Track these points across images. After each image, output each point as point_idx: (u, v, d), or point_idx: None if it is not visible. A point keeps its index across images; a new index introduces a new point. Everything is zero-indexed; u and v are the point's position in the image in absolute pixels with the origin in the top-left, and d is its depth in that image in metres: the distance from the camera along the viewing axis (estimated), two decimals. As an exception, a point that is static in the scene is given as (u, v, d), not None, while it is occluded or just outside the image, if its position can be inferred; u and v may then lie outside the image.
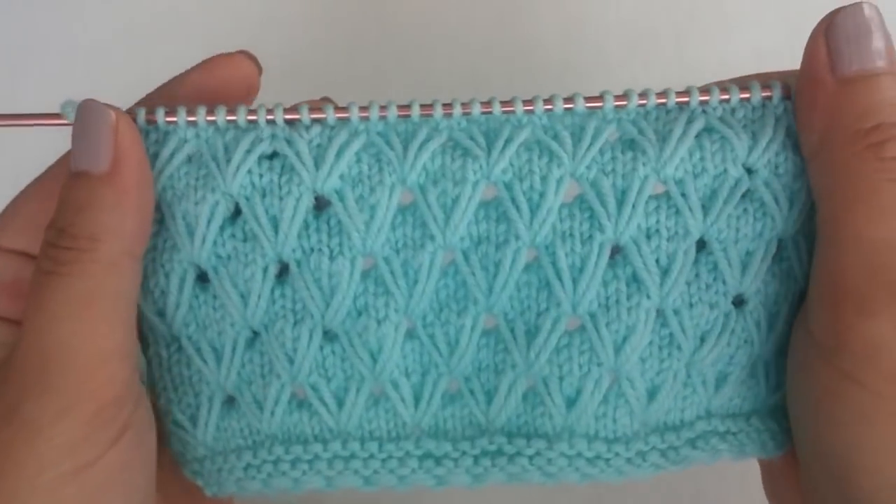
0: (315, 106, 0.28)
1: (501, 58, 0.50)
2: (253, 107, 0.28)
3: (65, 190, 0.26)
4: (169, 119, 0.28)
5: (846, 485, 0.26)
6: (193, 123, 0.28)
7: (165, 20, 0.52)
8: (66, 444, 0.24)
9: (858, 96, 0.25)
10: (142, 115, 0.27)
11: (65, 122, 0.27)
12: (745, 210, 0.28)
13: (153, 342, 0.30)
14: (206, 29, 0.52)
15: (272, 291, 0.28)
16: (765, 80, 0.28)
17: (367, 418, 0.30)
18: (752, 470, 0.36)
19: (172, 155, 0.28)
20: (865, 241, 0.25)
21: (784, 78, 0.28)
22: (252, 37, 0.52)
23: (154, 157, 0.28)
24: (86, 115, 0.26)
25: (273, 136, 0.28)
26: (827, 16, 0.26)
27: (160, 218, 0.28)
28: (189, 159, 0.28)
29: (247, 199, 0.28)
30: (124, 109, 0.27)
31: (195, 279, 0.29)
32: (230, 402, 0.30)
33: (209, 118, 0.28)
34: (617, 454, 0.29)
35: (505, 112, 0.28)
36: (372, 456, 0.30)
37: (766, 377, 0.30)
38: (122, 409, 0.25)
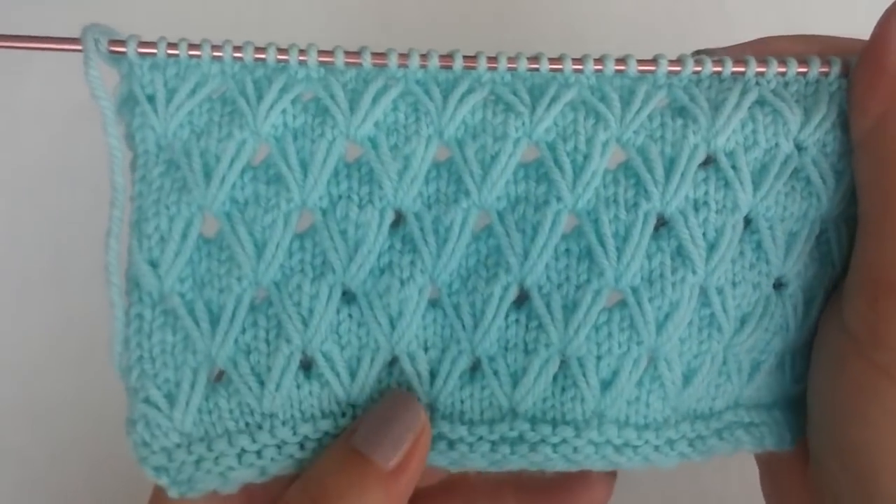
0: (352, 50, 0.26)
1: None
2: (284, 46, 0.26)
3: (338, 461, 0.25)
4: (192, 53, 0.26)
5: (869, 485, 0.25)
6: (219, 59, 0.26)
7: (165, 20, 0.50)
8: None
9: None
10: (163, 45, 0.25)
11: (80, 48, 0.25)
12: (793, 188, 0.27)
13: (136, 301, 0.26)
14: (206, 29, 0.51)
15: (291, 243, 0.26)
16: (824, 49, 0.27)
17: (379, 391, 0.27)
18: (752, 469, 0.35)
19: (194, 90, 0.26)
20: None
21: (845, 51, 0.27)
22: (252, 37, 0.53)
23: (173, 91, 0.26)
24: (397, 405, 0.26)
25: (308, 77, 0.26)
26: None
27: (170, 157, 0.26)
28: (211, 97, 0.26)
29: (277, 139, 0.25)
30: (140, 40, 0.25)
31: (200, 228, 0.26)
32: (218, 377, 0.27)
33: (236, 55, 0.26)
34: (646, 441, 0.27)
35: (553, 70, 0.26)
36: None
37: (791, 367, 0.29)
38: None
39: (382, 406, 0.26)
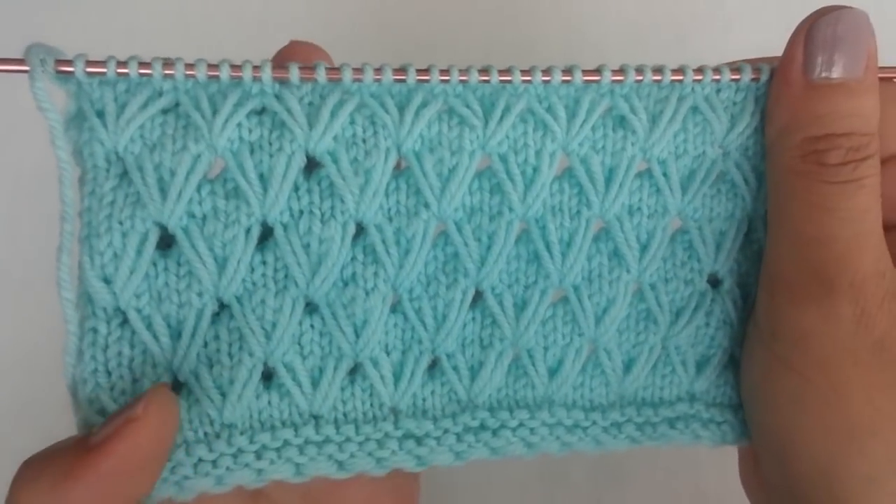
0: (305, 65, 0.26)
1: (501, 58, 0.51)
2: (237, 62, 0.26)
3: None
4: (143, 72, 0.25)
5: (785, 467, 0.27)
6: (170, 76, 0.25)
7: (165, 21, 0.50)
8: None
9: (820, 103, 0.26)
10: (112, 65, 0.25)
11: (26, 68, 0.24)
12: (719, 190, 0.29)
13: (90, 315, 0.26)
14: (206, 29, 0.50)
15: (253, 257, 0.27)
16: (755, 63, 0.29)
17: (342, 399, 0.28)
18: None
19: (146, 104, 0.25)
20: (800, 236, 0.26)
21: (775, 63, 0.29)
22: (252, 37, 0.51)
23: (123, 106, 0.25)
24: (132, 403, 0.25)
25: (262, 92, 0.26)
26: (813, 14, 0.26)
27: (121, 171, 0.26)
28: (165, 111, 0.26)
29: (233, 153, 0.26)
30: (88, 60, 0.25)
31: (156, 243, 0.26)
32: (176, 388, 0.27)
33: (188, 72, 0.25)
34: (594, 423, 0.30)
35: (502, 81, 0.27)
36: (348, 439, 0.28)
37: None
38: None
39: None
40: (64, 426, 0.47)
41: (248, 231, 0.26)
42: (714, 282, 0.30)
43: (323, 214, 0.27)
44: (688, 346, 0.30)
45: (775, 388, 0.27)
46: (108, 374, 0.26)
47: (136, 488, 0.25)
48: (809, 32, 0.26)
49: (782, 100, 0.27)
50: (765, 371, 0.28)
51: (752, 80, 0.29)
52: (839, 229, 0.25)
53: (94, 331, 0.26)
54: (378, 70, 0.26)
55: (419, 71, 0.27)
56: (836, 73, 0.26)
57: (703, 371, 0.31)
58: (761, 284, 0.28)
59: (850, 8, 0.26)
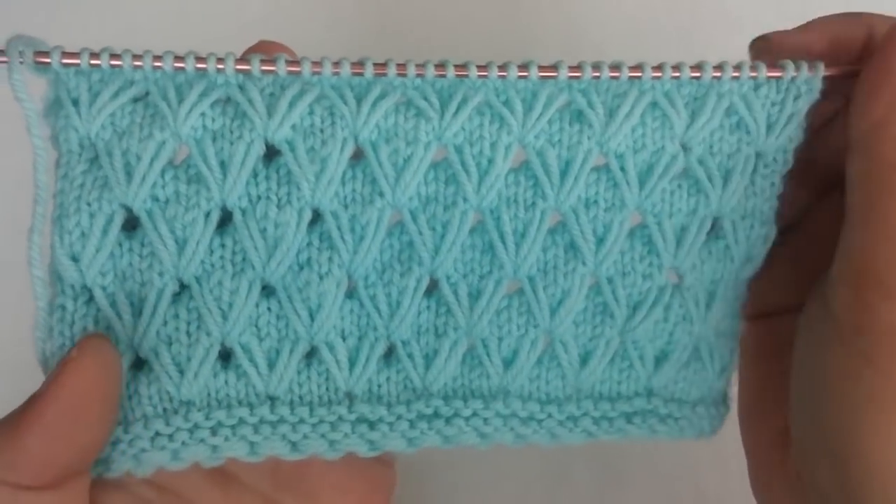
0: (267, 57, 0.27)
1: (501, 57, 0.52)
2: (202, 55, 0.27)
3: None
4: (114, 63, 0.27)
5: (847, 470, 0.26)
6: (140, 67, 0.27)
7: (165, 21, 0.51)
8: None
9: None
10: (86, 56, 0.27)
11: (5, 59, 0.26)
12: (680, 186, 0.29)
13: (60, 293, 0.28)
14: (205, 29, 0.51)
15: (212, 240, 0.28)
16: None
17: (297, 381, 0.29)
18: None
19: (117, 94, 0.27)
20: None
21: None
22: (252, 37, 0.53)
23: (96, 95, 0.27)
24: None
25: (227, 83, 0.27)
26: None
27: (92, 156, 0.27)
28: (135, 100, 0.27)
29: (196, 141, 0.27)
30: (64, 51, 0.27)
31: (122, 224, 0.27)
32: (138, 365, 0.28)
33: (156, 64, 0.27)
34: (550, 415, 0.30)
35: (458, 76, 0.28)
36: (302, 420, 0.29)
37: (711, 361, 0.31)
38: None
39: None
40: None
41: (207, 215, 0.27)
42: (675, 278, 0.30)
43: (279, 200, 0.28)
44: (646, 342, 0.30)
45: (852, 386, 0.26)
46: None
47: (87, 433, 0.26)
48: None
49: (883, 91, 0.26)
50: (841, 368, 0.26)
51: (714, 77, 0.29)
52: None
53: (63, 307, 0.28)
54: (336, 63, 0.27)
55: (376, 65, 0.28)
56: None
57: (661, 367, 0.31)
58: (841, 279, 0.27)
59: None
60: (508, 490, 0.48)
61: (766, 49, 0.30)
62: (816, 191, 0.31)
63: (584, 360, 0.30)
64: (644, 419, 0.31)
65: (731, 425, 0.44)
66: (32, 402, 0.25)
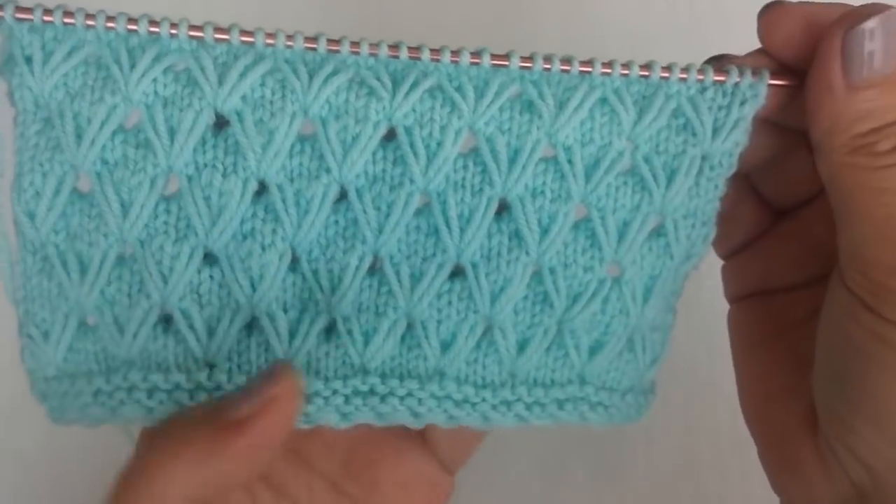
0: (221, 26, 0.28)
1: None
2: (156, 18, 0.27)
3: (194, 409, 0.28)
4: (67, 21, 0.27)
5: (888, 424, 0.27)
6: (92, 27, 0.27)
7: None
8: None
9: (864, 102, 0.27)
10: (39, 12, 0.27)
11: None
12: (625, 182, 0.30)
13: (21, 247, 0.29)
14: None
15: (157, 205, 0.28)
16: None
17: (237, 350, 0.29)
18: (752, 469, 0.35)
19: (70, 54, 0.27)
20: (874, 218, 0.27)
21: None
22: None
23: (49, 54, 0.27)
24: (269, 372, 0.27)
25: (180, 49, 0.27)
26: (845, 17, 0.27)
27: (46, 116, 0.27)
28: (86, 61, 0.27)
29: (147, 106, 0.27)
30: (17, 5, 0.27)
31: (73, 185, 0.28)
32: (87, 322, 0.29)
33: (109, 25, 0.27)
34: (483, 399, 0.30)
35: (411, 58, 0.28)
36: (239, 389, 0.28)
37: (643, 351, 0.32)
38: None
39: (265, 369, 0.28)
40: (63, 426, 0.46)
41: (153, 179, 0.28)
42: (615, 271, 0.31)
43: (225, 169, 0.28)
44: (582, 332, 0.31)
45: (888, 350, 0.27)
46: (33, 301, 0.29)
47: (263, 465, 0.27)
48: (847, 39, 0.27)
49: (824, 105, 0.27)
50: (870, 338, 0.27)
51: (662, 77, 0.29)
52: None
53: (24, 261, 0.29)
54: (290, 37, 0.28)
55: (330, 41, 0.28)
56: (876, 71, 0.27)
57: (596, 357, 0.31)
58: (848, 263, 0.28)
59: (880, 6, 0.27)
60: (505, 490, 0.48)
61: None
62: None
63: (522, 347, 0.31)
64: (575, 406, 0.31)
65: (729, 424, 0.45)
66: (230, 426, 0.26)
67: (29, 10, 0.27)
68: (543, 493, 0.48)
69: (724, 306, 0.37)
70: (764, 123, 0.31)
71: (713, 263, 0.36)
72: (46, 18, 0.27)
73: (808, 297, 0.32)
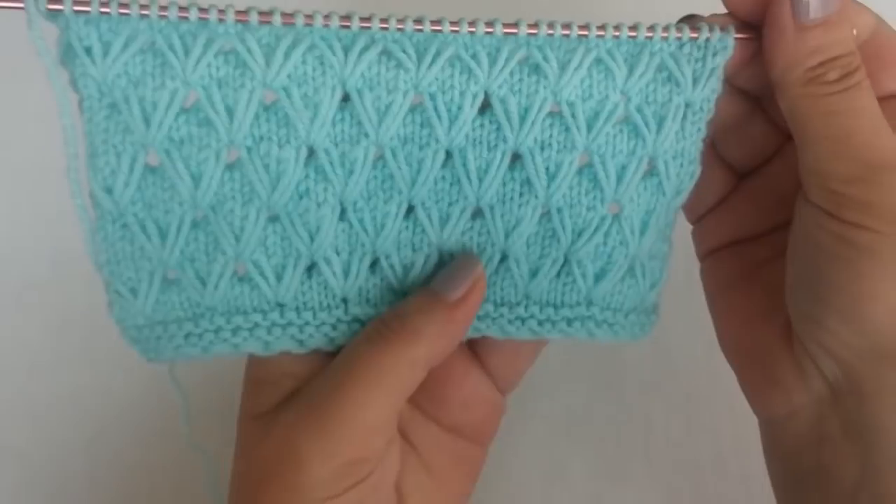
0: (264, 10, 0.31)
1: None
2: (204, 6, 0.30)
3: (415, 297, 0.34)
4: (122, 11, 0.29)
5: (858, 323, 0.31)
6: (146, 16, 0.30)
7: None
8: (322, 479, 0.30)
9: (811, 41, 0.32)
10: (95, 3, 0.29)
11: (20, 6, 0.28)
12: (621, 130, 0.35)
13: (99, 217, 0.32)
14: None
15: (223, 175, 0.32)
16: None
17: (301, 291, 0.34)
18: (752, 469, 0.36)
19: (126, 43, 0.30)
20: (828, 138, 0.32)
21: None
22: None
23: (108, 44, 0.30)
24: (462, 262, 0.35)
25: (227, 33, 0.30)
26: None
27: (111, 102, 0.31)
28: (143, 49, 0.30)
29: (204, 88, 0.31)
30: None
31: (144, 161, 0.31)
32: (169, 277, 0.33)
33: (161, 13, 0.30)
34: (501, 315, 0.37)
35: (434, 30, 0.32)
36: (307, 323, 0.34)
37: (643, 277, 0.37)
38: (367, 466, 0.32)
39: (452, 264, 0.35)
40: (63, 426, 0.47)
41: (217, 154, 0.32)
42: (615, 209, 0.36)
43: (280, 140, 0.32)
44: (588, 261, 0.36)
45: (850, 248, 0.31)
46: (118, 263, 0.33)
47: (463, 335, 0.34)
48: None
49: (778, 44, 0.32)
50: (834, 240, 0.31)
51: (647, 37, 0.34)
52: (856, 121, 0.31)
53: (104, 228, 0.32)
54: (326, 17, 0.31)
55: (362, 19, 0.31)
56: (819, 13, 0.31)
57: (600, 282, 0.37)
58: (808, 178, 0.32)
59: None
60: (505, 489, 0.49)
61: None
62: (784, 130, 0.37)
63: (534, 273, 0.36)
64: (583, 323, 0.37)
65: (729, 424, 0.48)
66: (454, 304, 0.34)
67: (86, 2, 0.29)
68: (544, 492, 0.48)
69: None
70: (726, 92, 0.35)
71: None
72: (103, 10, 0.29)
73: (775, 239, 0.36)
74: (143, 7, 0.30)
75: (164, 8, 0.30)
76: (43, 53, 0.29)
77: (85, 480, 0.47)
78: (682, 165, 0.36)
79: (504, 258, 0.36)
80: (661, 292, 0.39)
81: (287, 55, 0.31)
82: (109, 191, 0.32)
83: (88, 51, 0.30)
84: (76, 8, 0.29)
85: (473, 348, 0.39)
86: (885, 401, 0.31)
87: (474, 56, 0.33)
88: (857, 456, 0.32)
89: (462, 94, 0.33)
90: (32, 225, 0.49)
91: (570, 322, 0.37)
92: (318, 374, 0.34)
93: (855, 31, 0.33)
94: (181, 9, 0.30)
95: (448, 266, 0.35)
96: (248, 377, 0.35)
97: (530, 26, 0.33)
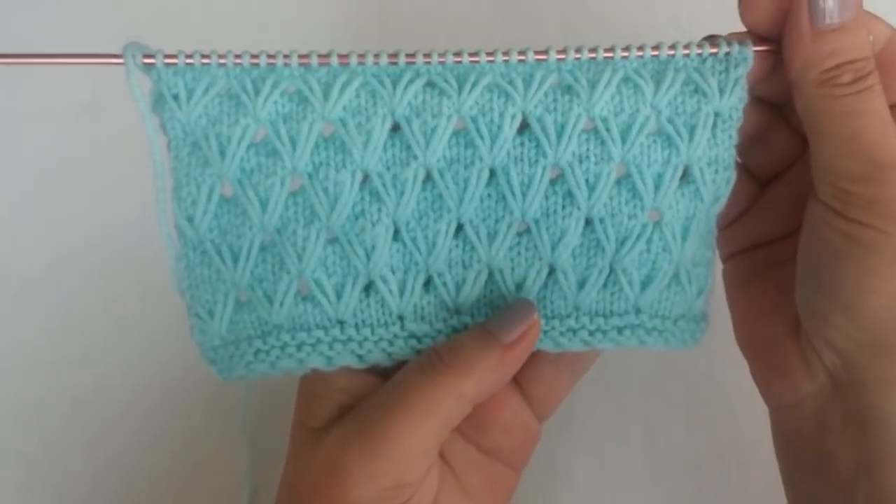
0: (322, 53, 0.35)
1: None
2: (272, 52, 0.35)
3: (471, 334, 0.35)
4: (204, 61, 0.34)
5: (858, 317, 0.32)
6: (223, 64, 0.35)
7: (166, 20, 0.53)
8: (365, 499, 0.32)
9: (828, 45, 0.34)
10: (182, 56, 0.34)
11: (121, 62, 0.33)
12: (655, 141, 0.37)
13: (183, 245, 0.36)
14: (206, 28, 0.54)
15: (287, 199, 0.35)
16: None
17: (360, 308, 0.36)
18: (752, 469, 0.38)
19: (207, 88, 0.35)
20: (840, 137, 0.34)
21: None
22: (252, 37, 0.53)
23: (191, 91, 0.35)
24: (519, 306, 0.36)
25: (291, 74, 0.35)
26: None
27: (194, 140, 0.35)
28: (220, 93, 0.35)
29: (271, 123, 0.35)
30: (165, 53, 0.34)
31: (220, 192, 0.35)
32: (241, 299, 0.36)
33: (236, 61, 0.35)
34: (553, 328, 0.37)
35: (472, 62, 0.36)
36: (366, 339, 0.36)
37: (689, 283, 0.38)
38: (408, 490, 0.33)
39: (509, 306, 0.36)
40: (64, 425, 0.47)
41: (283, 180, 0.35)
42: (655, 216, 0.37)
43: (337, 165, 0.35)
44: (633, 269, 0.37)
45: (854, 245, 0.32)
46: (197, 287, 0.36)
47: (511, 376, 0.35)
48: None
49: (797, 47, 0.34)
50: (840, 237, 0.33)
51: (669, 55, 0.36)
52: (866, 122, 0.33)
53: (186, 256, 0.36)
54: (377, 56, 0.35)
55: (407, 55, 0.35)
56: (837, 18, 0.33)
57: (647, 289, 0.37)
58: (820, 176, 0.34)
59: None
60: None
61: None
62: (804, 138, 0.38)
63: (581, 284, 0.37)
64: (633, 331, 0.37)
65: (729, 424, 0.48)
66: (506, 347, 0.35)
67: (174, 56, 0.34)
68: (544, 492, 0.49)
69: (724, 307, 0.40)
70: (748, 104, 0.37)
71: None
72: (188, 62, 0.34)
73: (792, 241, 0.37)
74: (220, 57, 0.34)
75: (238, 56, 0.35)
76: (139, 100, 0.34)
77: (85, 480, 0.46)
78: (717, 171, 0.37)
79: (552, 271, 0.38)
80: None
81: (342, 90, 0.35)
82: (191, 220, 0.35)
83: (176, 97, 0.35)
84: (166, 61, 0.34)
85: (515, 375, 0.39)
86: (883, 392, 0.33)
87: (510, 82, 0.36)
88: (856, 444, 0.33)
89: (501, 115, 0.36)
90: (32, 225, 0.50)
91: (620, 331, 0.37)
92: (370, 395, 0.35)
93: (871, 37, 0.35)
94: (252, 56, 0.35)
95: (505, 308, 0.36)
96: (303, 389, 0.37)
97: (559, 52, 0.36)
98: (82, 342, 0.48)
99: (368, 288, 0.37)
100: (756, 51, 0.36)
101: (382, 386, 0.35)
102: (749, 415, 0.38)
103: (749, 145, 0.40)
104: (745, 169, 0.41)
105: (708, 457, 0.48)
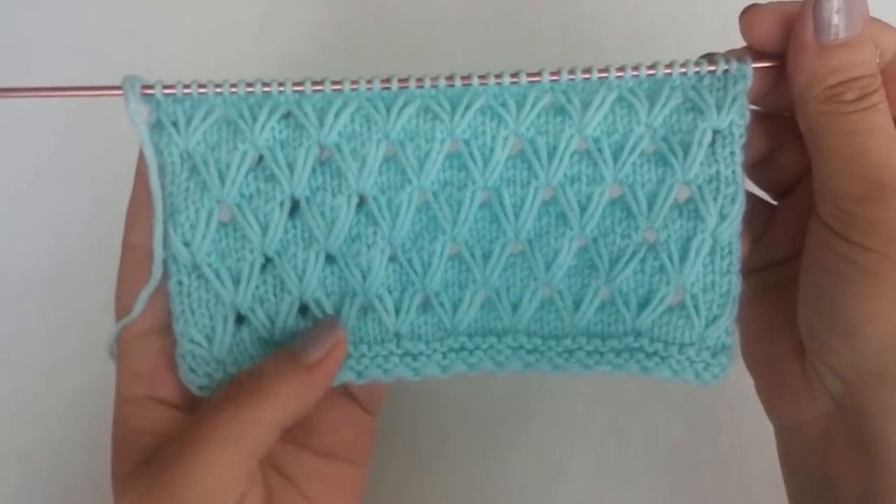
0: (316, 79, 0.36)
1: (501, 57, 0.52)
2: (267, 80, 0.35)
3: (277, 357, 0.35)
4: (201, 90, 0.35)
5: (857, 343, 0.31)
6: (220, 93, 0.35)
7: (166, 20, 0.53)
8: None
9: (832, 60, 0.33)
10: (179, 86, 0.35)
11: (120, 93, 0.34)
12: (648, 160, 0.37)
13: (175, 272, 0.36)
14: (206, 29, 0.54)
15: (286, 222, 0.36)
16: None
17: (357, 326, 0.37)
18: (752, 469, 0.38)
19: (206, 116, 0.35)
20: (842, 155, 0.33)
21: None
22: (252, 37, 0.54)
23: (189, 118, 0.35)
24: (323, 325, 0.36)
25: (287, 101, 0.35)
26: None
27: (192, 165, 0.36)
28: (218, 119, 0.36)
29: (269, 149, 0.36)
30: (164, 84, 0.35)
31: (218, 216, 0.36)
32: (240, 320, 0.37)
33: (232, 90, 0.35)
34: (549, 348, 0.38)
35: (464, 84, 0.36)
36: (363, 355, 0.37)
37: (695, 309, 0.37)
38: None
39: (315, 325, 0.36)
40: (64, 425, 0.47)
41: (281, 204, 0.36)
42: (651, 236, 0.37)
43: (333, 189, 0.36)
44: (628, 290, 0.37)
45: (854, 269, 0.32)
46: (193, 312, 0.36)
47: (321, 397, 0.34)
48: (816, 9, 0.33)
49: (800, 62, 0.33)
50: (840, 261, 0.32)
51: (665, 74, 0.36)
52: (870, 140, 0.32)
53: (180, 282, 0.36)
54: (369, 81, 0.36)
55: (400, 80, 0.36)
56: (842, 34, 0.33)
57: (643, 311, 0.37)
58: (822, 196, 0.33)
59: None
60: (504, 489, 0.49)
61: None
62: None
63: (577, 304, 0.38)
64: (632, 355, 0.37)
65: (729, 424, 0.48)
66: (310, 367, 0.34)
67: (172, 86, 0.35)
68: (544, 492, 0.49)
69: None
70: (755, 123, 0.36)
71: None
72: (185, 91, 0.35)
73: (799, 262, 0.36)
74: (217, 86, 0.35)
75: (234, 85, 0.35)
76: (138, 125, 0.35)
77: (85, 481, 0.46)
78: (717, 188, 0.36)
79: (548, 292, 0.38)
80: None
81: (337, 116, 0.35)
82: (188, 244, 0.36)
83: (175, 124, 0.35)
84: (165, 91, 0.35)
85: None
86: (886, 421, 0.32)
87: (503, 104, 0.36)
88: (860, 471, 0.33)
89: (493, 138, 0.36)
90: (32, 225, 0.50)
91: (618, 353, 0.37)
92: (174, 434, 0.33)
93: (878, 51, 0.34)
94: (248, 84, 0.35)
95: (310, 328, 0.36)
96: (113, 437, 0.35)
97: (552, 73, 0.36)
98: (82, 342, 0.48)
99: (366, 307, 0.37)
100: (756, 67, 0.36)
101: (186, 423, 0.33)
102: (749, 415, 0.38)
103: (761, 163, 0.39)
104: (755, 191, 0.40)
105: (708, 457, 0.48)
